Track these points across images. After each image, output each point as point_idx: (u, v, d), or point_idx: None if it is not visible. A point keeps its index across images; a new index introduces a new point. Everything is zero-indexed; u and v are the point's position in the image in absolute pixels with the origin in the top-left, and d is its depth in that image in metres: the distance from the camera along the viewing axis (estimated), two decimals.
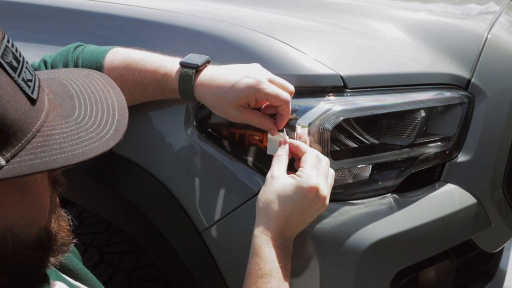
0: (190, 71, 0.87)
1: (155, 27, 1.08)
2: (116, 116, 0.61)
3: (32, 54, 0.99)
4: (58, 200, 0.66)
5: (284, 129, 0.88)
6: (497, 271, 1.28)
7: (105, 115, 0.60)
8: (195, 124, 0.96)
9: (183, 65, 0.88)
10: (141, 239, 1.17)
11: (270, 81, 0.85)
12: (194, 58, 0.89)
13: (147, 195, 1.04)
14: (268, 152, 0.90)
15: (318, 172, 0.82)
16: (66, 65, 0.94)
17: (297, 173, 0.82)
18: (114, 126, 0.59)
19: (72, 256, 0.79)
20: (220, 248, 0.98)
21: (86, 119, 0.58)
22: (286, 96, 0.84)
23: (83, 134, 0.56)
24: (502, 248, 1.26)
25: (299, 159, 0.86)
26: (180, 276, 1.08)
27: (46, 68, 0.94)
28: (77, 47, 0.98)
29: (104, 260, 1.42)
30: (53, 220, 0.63)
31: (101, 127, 0.58)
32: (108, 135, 0.58)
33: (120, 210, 1.15)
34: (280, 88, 0.85)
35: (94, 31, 1.18)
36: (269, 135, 0.89)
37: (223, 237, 0.97)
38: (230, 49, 0.95)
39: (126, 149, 1.05)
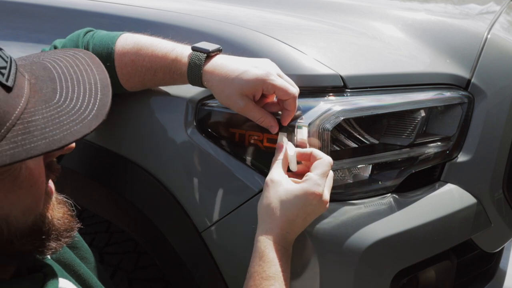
0: (201, 55, 0.88)
1: (154, 26, 1.08)
2: (99, 95, 0.60)
3: (28, 54, 0.98)
4: (53, 186, 0.65)
5: (287, 129, 0.88)
6: (497, 271, 1.28)
7: (87, 96, 0.59)
8: (195, 124, 0.96)
9: (194, 49, 0.89)
10: (141, 239, 1.17)
11: (279, 76, 0.86)
12: (206, 44, 0.90)
13: (147, 195, 1.04)
14: None
15: (326, 179, 0.82)
16: None
17: (304, 178, 0.82)
18: (96, 106, 0.58)
19: (82, 264, 0.80)
20: (220, 248, 0.98)
21: (67, 102, 0.57)
22: (294, 90, 0.85)
23: (64, 118, 0.56)
24: (502, 248, 1.26)
25: (305, 162, 0.86)
26: (180, 276, 1.08)
27: None
28: (87, 32, 0.98)
29: (104, 260, 1.42)
30: (49, 206, 0.62)
31: (82, 108, 0.57)
32: (90, 116, 0.57)
33: (120, 210, 1.15)
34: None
35: None
36: (279, 136, 0.88)
37: (223, 237, 0.96)
38: (229, 48, 0.95)
39: (125, 149, 1.05)
